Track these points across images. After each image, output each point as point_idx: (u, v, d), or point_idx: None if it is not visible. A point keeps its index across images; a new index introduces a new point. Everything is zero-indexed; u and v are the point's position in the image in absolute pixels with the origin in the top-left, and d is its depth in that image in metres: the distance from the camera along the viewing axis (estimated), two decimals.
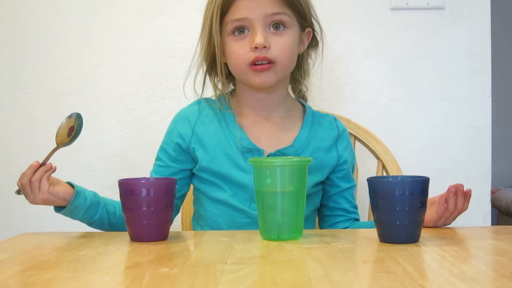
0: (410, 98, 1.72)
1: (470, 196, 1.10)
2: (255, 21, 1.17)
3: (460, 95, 1.71)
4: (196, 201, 1.31)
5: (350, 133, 1.49)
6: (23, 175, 1.12)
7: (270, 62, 1.18)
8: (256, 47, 1.16)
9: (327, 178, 1.29)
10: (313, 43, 1.30)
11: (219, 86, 1.28)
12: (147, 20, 1.71)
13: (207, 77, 1.28)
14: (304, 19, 1.24)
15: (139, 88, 1.72)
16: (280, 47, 1.18)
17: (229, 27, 1.19)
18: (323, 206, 1.32)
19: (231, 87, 1.31)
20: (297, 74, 1.31)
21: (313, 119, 1.29)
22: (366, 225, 1.25)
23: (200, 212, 1.28)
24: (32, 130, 1.73)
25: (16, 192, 1.16)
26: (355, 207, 1.32)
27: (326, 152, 1.27)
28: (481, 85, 1.71)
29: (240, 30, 1.19)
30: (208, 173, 1.24)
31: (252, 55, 1.17)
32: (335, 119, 1.33)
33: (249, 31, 1.18)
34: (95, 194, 1.19)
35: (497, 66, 2.06)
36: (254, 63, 1.18)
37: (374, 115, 1.71)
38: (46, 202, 1.12)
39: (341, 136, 1.30)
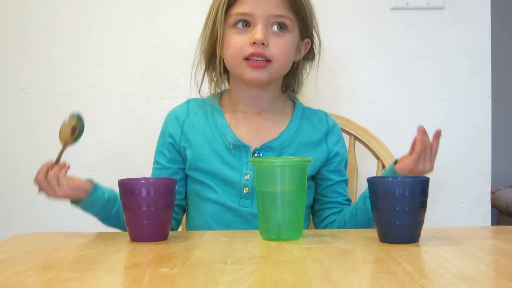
0: (410, 98, 1.72)
1: (440, 134, 1.13)
2: (258, 17, 1.19)
3: (460, 95, 1.71)
4: (187, 202, 1.32)
5: (350, 133, 1.49)
6: (37, 173, 1.13)
7: (267, 60, 1.20)
8: (254, 42, 1.18)
9: (318, 172, 1.29)
10: (310, 55, 1.32)
11: (215, 80, 1.29)
12: (147, 20, 1.71)
13: (206, 73, 1.30)
14: (306, 28, 1.26)
15: (139, 88, 1.72)
16: (279, 47, 1.20)
17: (232, 19, 1.21)
18: (315, 201, 1.32)
19: (226, 86, 1.33)
20: (291, 82, 1.33)
21: (302, 114, 1.31)
22: (353, 212, 1.24)
23: (191, 212, 1.30)
24: (32, 130, 1.73)
25: (39, 191, 1.17)
26: (349, 200, 1.32)
27: (314, 147, 1.28)
28: (481, 85, 1.71)
29: (244, 23, 1.21)
30: (197, 172, 1.25)
31: (249, 50, 1.19)
32: (325, 114, 1.34)
33: (251, 27, 1.20)
34: (112, 190, 1.20)
35: (497, 66, 2.06)
36: (249, 58, 1.20)
37: (374, 115, 1.71)
38: (68, 196, 1.14)
39: (331, 131, 1.31)
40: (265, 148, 1.24)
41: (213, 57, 1.27)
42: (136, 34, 1.72)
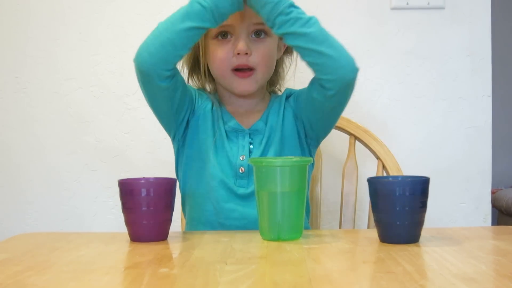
0: (410, 98, 1.72)
1: None
2: (238, 28, 1.22)
3: (461, 95, 1.71)
4: (183, 203, 1.32)
5: (350, 133, 1.49)
6: None
7: (251, 68, 1.23)
8: (238, 53, 1.22)
9: (304, 106, 1.28)
10: (288, 49, 1.34)
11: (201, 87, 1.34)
12: (147, 20, 1.71)
13: (190, 80, 1.34)
14: None
15: (139, 88, 1.72)
16: (261, 54, 1.24)
17: (213, 31, 1.23)
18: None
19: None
20: (274, 78, 1.36)
21: (273, 99, 1.33)
22: None
23: (187, 210, 1.30)
24: (32, 130, 1.73)
25: None
26: None
27: (284, 117, 1.29)
28: (482, 85, 1.71)
29: (223, 35, 1.24)
30: (196, 143, 1.26)
31: (234, 61, 1.23)
32: (286, 89, 1.36)
33: (231, 36, 1.24)
34: None
35: (498, 65, 2.06)
36: (236, 69, 1.23)
37: (374, 115, 1.71)
38: None
39: (288, 93, 1.32)
40: (253, 132, 1.27)
41: (195, 64, 1.31)
42: (136, 34, 1.71)
